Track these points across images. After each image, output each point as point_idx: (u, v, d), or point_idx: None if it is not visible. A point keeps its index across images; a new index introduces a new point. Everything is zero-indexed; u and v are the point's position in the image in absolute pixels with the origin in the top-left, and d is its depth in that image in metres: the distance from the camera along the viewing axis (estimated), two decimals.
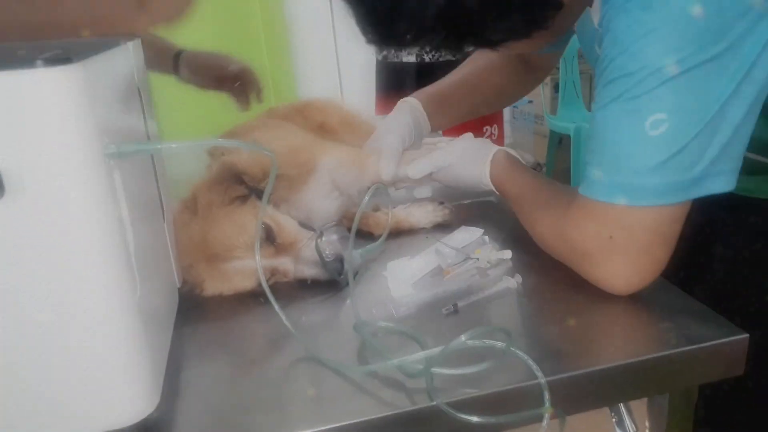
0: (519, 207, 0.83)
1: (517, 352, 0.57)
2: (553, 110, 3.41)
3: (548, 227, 0.75)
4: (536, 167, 1.11)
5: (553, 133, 3.47)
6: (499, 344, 0.57)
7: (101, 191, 0.48)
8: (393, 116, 1.02)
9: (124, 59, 0.62)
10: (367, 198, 0.71)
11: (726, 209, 0.81)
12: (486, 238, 0.84)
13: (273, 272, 0.79)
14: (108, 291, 0.50)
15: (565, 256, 0.74)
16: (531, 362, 0.57)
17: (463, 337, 0.55)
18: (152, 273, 0.61)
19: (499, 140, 2.38)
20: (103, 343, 0.51)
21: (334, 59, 2.88)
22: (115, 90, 0.56)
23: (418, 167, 0.90)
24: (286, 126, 1.06)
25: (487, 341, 0.57)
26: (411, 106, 1.03)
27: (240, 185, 0.80)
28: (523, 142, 3.81)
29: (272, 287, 0.79)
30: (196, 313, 0.75)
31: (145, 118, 0.68)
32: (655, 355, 0.60)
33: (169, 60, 1.24)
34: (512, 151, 0.89)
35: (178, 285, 0.76)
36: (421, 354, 0.57)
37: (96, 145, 0.47)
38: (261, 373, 0.63)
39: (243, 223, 0.76)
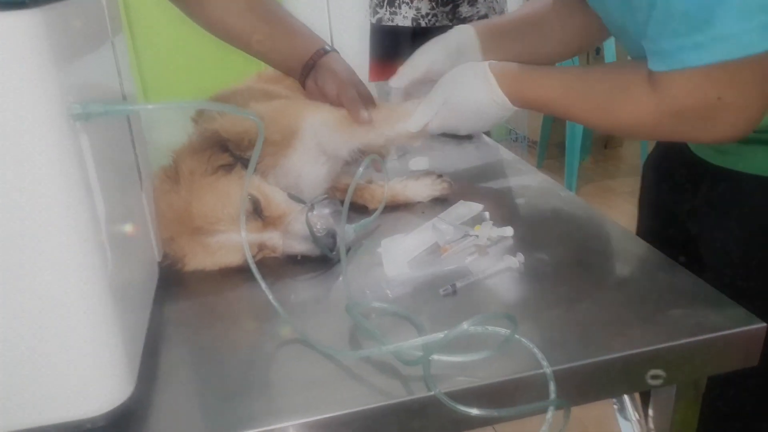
0: (573, 104, 0.76)
1: (522, 339, 0.53)
2: None
3: (637, 111, 0.69)
4: None
5: None
6: (502, 331, 0.52)
7: (65, 157, 0.43)
8: (434, 39, 0.93)
9: (95, 9, 0.56)
10: (361, 169, 0.66)
11: (730, 188, 0.77)
12: (487, 214, 0.79)
13: (260, 247, 0.74)
14: (75, 266, 0.45)
15: (667, 133, 0.72)
16: (536, 351, 0.53)
17: (465, 325, 0.51)
18: (127, 246, 0.56)
19: None
20: (70, 323, 0.46)
21: (326, 22, 2.79)
22: (82, 43, 0.50)
23: (417, 119, 0.83)
24: (273, 90, 1.00)
25: (490, 328, 0.53)
26: (460, 31, 0.94)
27: (224, 153, 0.75)
28: (518, 114, 3.72)
29: (259, 263, 0.75)
30: (176, 289, 0.70)
31: (120, 76, 0.62)
32: (667, 344, 0.56)
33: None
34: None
35: (158, 259, 0.71)
36: (419, 340, 0.53)
37: (59, 104, 0.42)
38: (246, 357, 0.59)
39: (228, 194, 0.71)
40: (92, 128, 0.48)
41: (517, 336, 0.52)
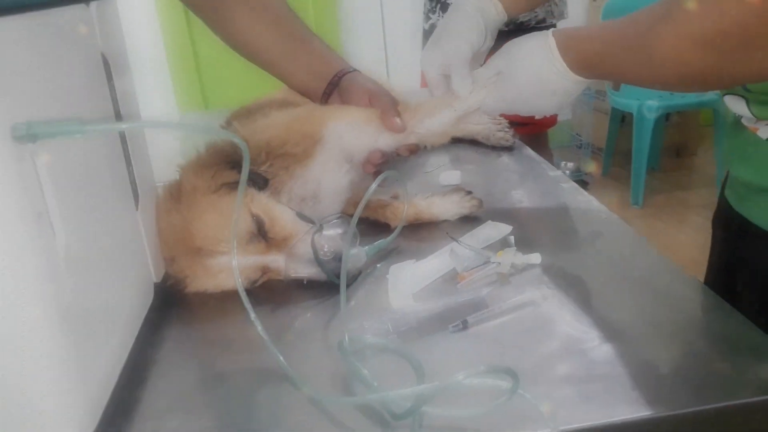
0: (616, 45, 0.65)
1: (525, 395, 0.46)
2: (616, 85, 3.16)
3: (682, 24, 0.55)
4: None
5: (614, 110, 3.24)
6: (504, 384, 0.45)
7: (7, 181, 0.39)
8: (453, 13, 0.83)
9: (78, 21, 0.53)
10: (374, 186, 0.60)
11: None
12: (512, 238, 0.71)
13: (264, 270, 0.69)
14: (22, 297, 0.41)
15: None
16: (542, 409, 0.45)
17: (460, 376, 0.44)
18: (102, 269, 0.53)
19: (555, 116, 2.20)
20: (18, 360, 0.43)
21: (380, 30, 2.75)
22: (50, 57, 0.47)
23: (463, 83, 0.77)
24: (298, 99, 0.96)
25: (489, 381, 0.46)
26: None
27: (231, 170, 0.71)
28: (582, 119, 3.57)
29: (263, 286, 0.71)
30: (172, 313, 0.67)
31: (113, 92, 0.59)
32: (710, 406, 0.47)
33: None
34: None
35: (155, 280, 0.67)
36: (409, 390, 0.46)
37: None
38: (230, 392, 0.54)
39: (230, 214, 0.67)
40: (56, 148, 0.45)
41: (520, 391, 0.45)
